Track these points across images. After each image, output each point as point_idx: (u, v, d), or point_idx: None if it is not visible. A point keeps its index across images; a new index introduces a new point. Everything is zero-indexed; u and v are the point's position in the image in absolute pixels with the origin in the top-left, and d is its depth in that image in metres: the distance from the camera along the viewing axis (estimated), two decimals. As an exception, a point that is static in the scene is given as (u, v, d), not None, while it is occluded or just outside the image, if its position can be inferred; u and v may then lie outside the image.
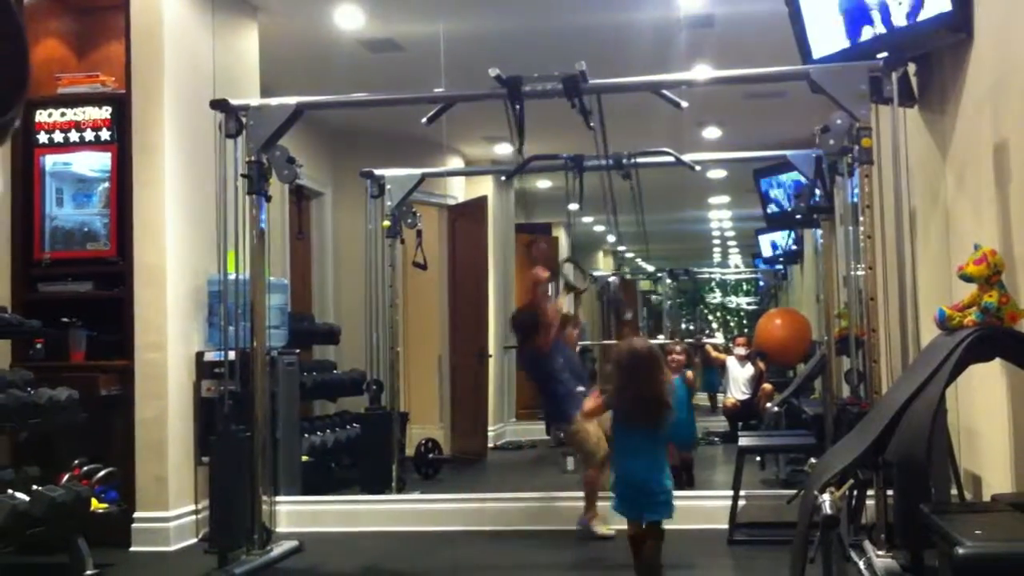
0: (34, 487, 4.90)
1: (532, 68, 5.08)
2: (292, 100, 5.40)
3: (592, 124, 5.10)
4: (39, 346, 5.83)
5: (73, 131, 5.98)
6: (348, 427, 7.85)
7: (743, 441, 6.37)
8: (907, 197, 4.93)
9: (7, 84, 1.75)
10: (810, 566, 3.57)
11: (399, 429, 7.33)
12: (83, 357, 5.85)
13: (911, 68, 5.41)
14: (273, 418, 5.90)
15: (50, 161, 6.03)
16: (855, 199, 5.42)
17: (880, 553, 4.56)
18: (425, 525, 6.10)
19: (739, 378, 9.68)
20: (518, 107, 5.11)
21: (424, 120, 5.49)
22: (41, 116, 5.94)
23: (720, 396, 10.94)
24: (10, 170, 5.98)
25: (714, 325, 20.18)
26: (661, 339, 12.40)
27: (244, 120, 5.36)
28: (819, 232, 7.10)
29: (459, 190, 10.80)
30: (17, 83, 1.77)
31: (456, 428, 9.69)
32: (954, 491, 4.58)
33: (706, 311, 19.94)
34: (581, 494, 6.00)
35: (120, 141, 5.92)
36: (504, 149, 10.29)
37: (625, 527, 4.56)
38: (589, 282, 5.80)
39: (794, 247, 12.35)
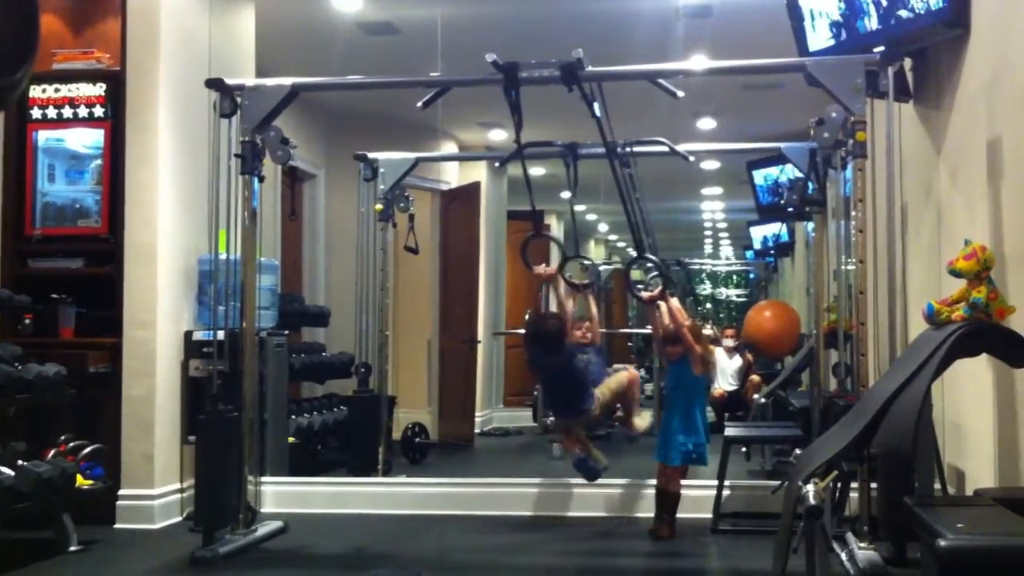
0: (20, 462, 4.91)
1: (529, 55, 5.07)
2: (287, 81, 5.39)
3: (597, 114, 5.08)
4: (28, 322, 5.82)
5: (67, 107, 5.96)
6: (336, 409, 7.85)
7: (729, 431, 6.38)
8: (899, 192, 4.95)
9: (17, 45, 1.75)
10: (793, 556, 3.59)
11: (387, 413, 7.33)
12: (72, 334, 5.84)
13: (907, 63, 5.42)
14: (261, 399, 5.89)
15: (43, 137, 6.01)
16: (848, 193, 5.43)
17: (863, 545, 4.59)
18: (411, 509, 6.12)
19: (727, 369, 9.70)
20: (514, 93, 5.10)
21: (419, 104, 5.47)
22: (35, 91, 5.91)
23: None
24: (1, 145, 5.97)
25: (704, 316, 20.18)
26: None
27: (239, 100, 5.35)
28: (810, 225, 7.11)
29: (452, 175, 10.79)
30: (27, 45, 1.77)
31: (444, 413, 9.70)
32: (937, 485, 4.61)
33: (696, 302, 19.93)
34: (568, 480, 6.02)
35: (114, 118, 5.90)
36: (498, 135, 10.28)
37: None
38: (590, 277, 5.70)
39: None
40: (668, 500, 5.49)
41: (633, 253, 5.58)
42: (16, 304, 5.56)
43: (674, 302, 5.63)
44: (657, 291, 5.61)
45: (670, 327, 5.55)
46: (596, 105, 5.09)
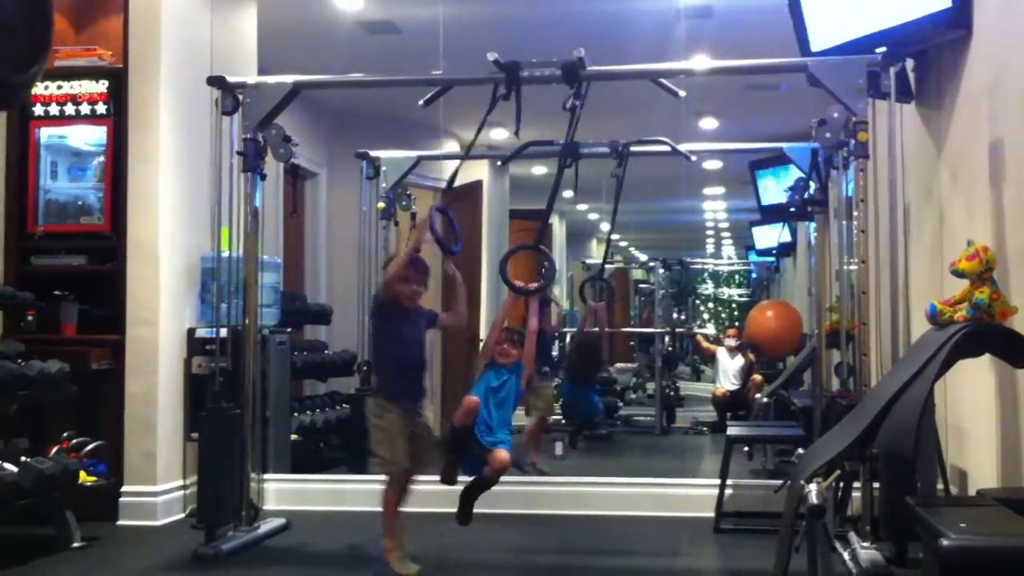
0: (23, 459, 4.92)
1: (531, 54, 5.07)
2: (289, 79, 5.40)
3: (567, 106, 5.02)
4: (31, 319, 5.82)
5: (69, 104, 5.96)
6: (338, 407, 7.86)
7: (731, 431, 6.38)
8: (901, 192, 4.95)
9: (30, 42, 1.74)
10: (795, 556, 3.59)
11: (389, 411, 7.32)
12: (75, 331, 5.84)
13: (909, 64, 5.42)
14: (263, 396, 5.89)
15: (45, 134, 6.01)
16: (850, 193, 5.43)
17: (865, 544, 4.59)
18: (412, 506, 6.10)
19: (729, 369, 9.72)
20: (515, 92, 5.10)
21: (421, 103, 5.48)
22: (37, 88, 5.89)
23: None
24: (4, 142, 5.97)
25: (705, 316, 20.20)
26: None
27: (241, 98, 5.36)
28: (812, 225, 7.11)
29: (454, 174, 10.77)
30: (40, 42, 1.77)
31: (446, 411, 9.69)
32: (940, 485, 4.61)
33: (698, 302, 19.96)
34: (569, 479, 6.01)
35: (116, 115, 5.91)
36: (500, 134, 10.23)
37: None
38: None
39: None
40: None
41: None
42: (19, 301, 5.57)
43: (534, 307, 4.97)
44: (535, 285, 5.12)
45: (516, 328, 4.95)
46: (576, 102, 5.03)
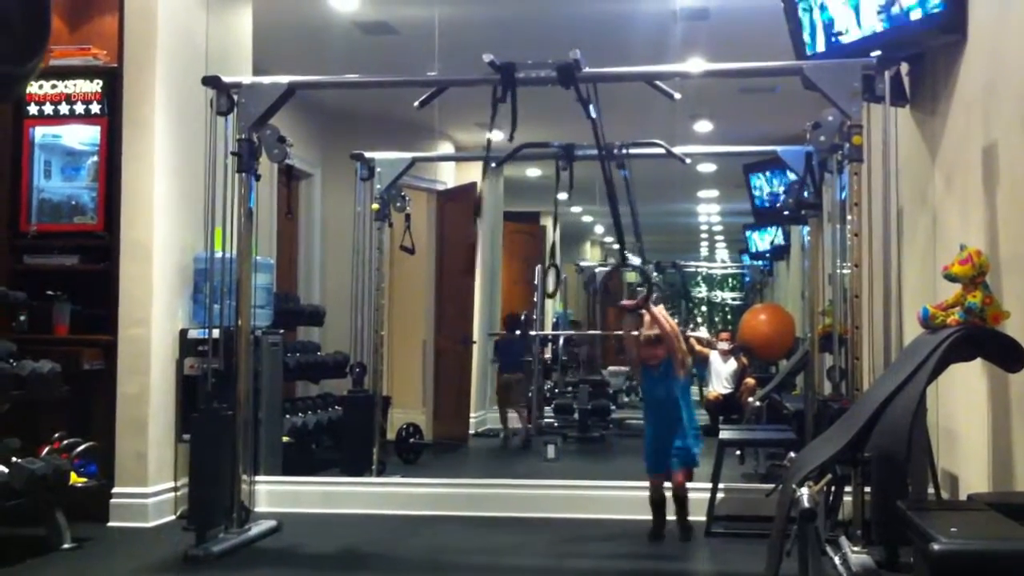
0: (14, 459, 4.90)
1: (526, 56, 5.07)
2: (284, 79, 5.39)
3: (592, 115, 5.06)
4: (23, 318, 5.80)
5: (63, 103, 5.95)
6: (330, 409, 7.85)
7: (724, 434, 6.39)
8: (895, 196, 4.95)
9: (28, 35, 1.73)
10: (786, 560, 3.59)
11: (381, 413, 7.33)
12: (67, 331, 5.82)
13: (904, 67, 5.43)
14: (255, 397, 5.88)
15: (39, 133, 5.99)
16: (843, 197, 5.44)
17: (856, 549, 4.59)
18: (405, 509, 6.11)
19: (722, 372, 9.71)
20: (511, 94, 5.10)
21: (416, 104, 5.48)
22: (32, 87, 5.88)
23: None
24: (-3, 141, 5.96)
25: (699, 319, 20.20)
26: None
27: (236, 98, 5.35)
28: (806, 229, 7.12)
29: (449, 175, 10.79)
30: (38, 36, 1.76)
31: (438, 413, 9.69)
32: (931, 489, 4.61)
33: (691, 305, 19.97)
34: (561, 482, 5.99)
35: (111, 115, 5.89)
36: (495, 136, 10.25)
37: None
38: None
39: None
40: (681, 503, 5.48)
41: (632, 257, 5.58)
42: (11, 300, 5.55)
43: (659, 309, 5.50)
44: (639, 300, 5.50)
45: (653, 333, 5.42)
46: (591, 107, 5.07)
